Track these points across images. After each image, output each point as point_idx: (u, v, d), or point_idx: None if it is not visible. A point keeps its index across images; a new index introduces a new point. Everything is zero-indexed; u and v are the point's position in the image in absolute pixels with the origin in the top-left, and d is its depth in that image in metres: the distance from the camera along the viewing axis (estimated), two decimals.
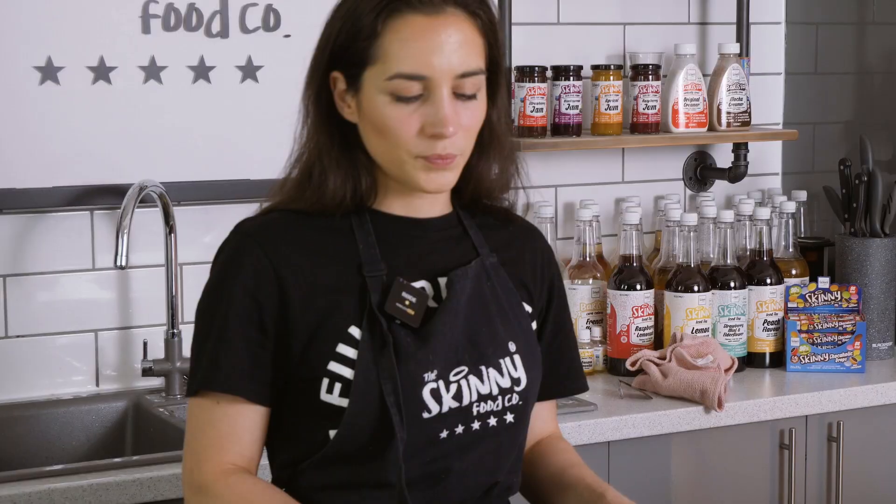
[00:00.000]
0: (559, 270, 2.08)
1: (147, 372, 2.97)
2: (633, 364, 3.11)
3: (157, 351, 3.03)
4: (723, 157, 3.67)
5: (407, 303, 1.84)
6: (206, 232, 3.09)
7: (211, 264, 1.90)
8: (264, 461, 1.90)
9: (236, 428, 1.83)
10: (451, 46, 1.79)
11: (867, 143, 3.40)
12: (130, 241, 2.85)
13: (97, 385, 3.04)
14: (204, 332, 1.86)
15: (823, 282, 3.33)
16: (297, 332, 1.83)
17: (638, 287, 3.20)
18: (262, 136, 3.10)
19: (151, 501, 2.44)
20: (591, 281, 3.27)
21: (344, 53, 1.83)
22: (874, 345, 3.36)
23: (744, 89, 3.46)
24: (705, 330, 3.21)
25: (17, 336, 2.98)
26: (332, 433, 1.82)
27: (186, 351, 3.01)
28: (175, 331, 2.99)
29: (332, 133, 1.87)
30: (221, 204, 3.09)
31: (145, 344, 3.01)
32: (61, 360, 3.01)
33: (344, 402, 1.81)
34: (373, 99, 1.81)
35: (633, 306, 3.19)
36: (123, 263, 2.80)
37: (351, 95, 1.84)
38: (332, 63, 1.85)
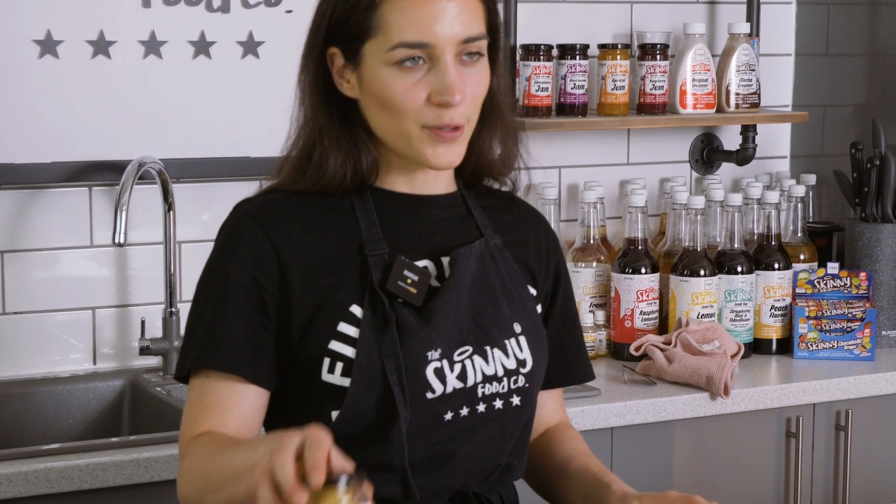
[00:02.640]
0: (564, 257, 2.06)
1: (144, 351, 2.94)
2: (637, 349, 3.07)
3: (155, 330, 3.00)
4: (730, 139, 3.62)
5: (409, 281, 1.81)
6: (204, 210, 3.06)
7: (214, 245, 1.86)
8: None
9: (222, 400, 1.79)
10: (452, 12, 1.76)
11: (880, 127, 3.36)
12: (129, 218, 2.82)
13: (94, 363, 3.01)
14: (201, 311, 1.83)
15: (833, 267, 3.29)
16: (297, 312, 1.80)
17: (643, 270, 3.16)
18: (263, 113, 3.06)
19: (149, 482, 2.41)
20: (594, 264, 3.23)
21: (341, 28, 1.80)
22: (884, 332, 3.32)
23: (753, 70, 3.42)
24: (711, 315, 3.17)
25: (15, 313, 2.95)
26: (334, 414, 1.79)
27: (184, 330, 2.97)
28: (173, 309, 2.96)
29: (331, 111, 1.84)
30: (221, 182, 3.06)
31: (143, 322, 2.98)
32: (58, 337, 2.98)
33: (346, 382, 1.78)
34: (375, 72, 1.78)
35: (638, 290, 3.15)
36: (122, 240, 2.77)
37: (350, 70, 1.81)
38: (328, 39, 1.82)
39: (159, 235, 2.99)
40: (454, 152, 1.81)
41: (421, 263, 1.85)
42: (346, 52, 1.81)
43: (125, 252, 3.02)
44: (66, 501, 2.37)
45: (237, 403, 1.80)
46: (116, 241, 2.77)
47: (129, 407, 2.95)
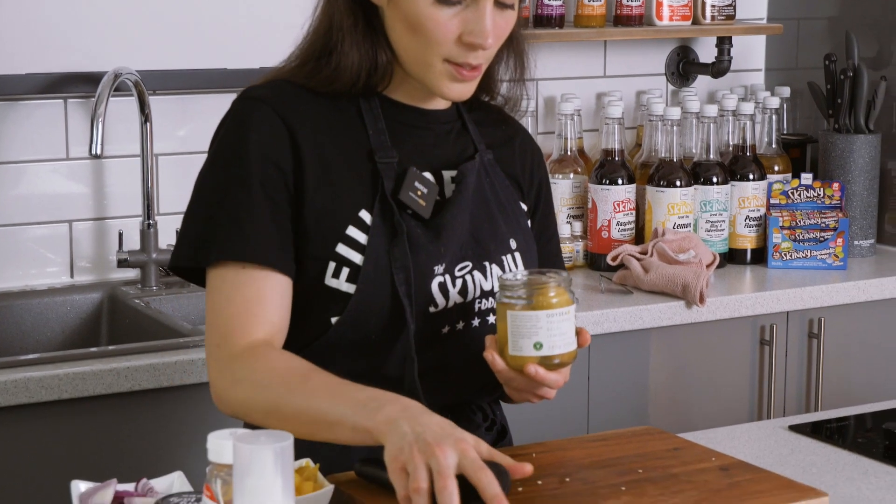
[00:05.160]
0: (547, 173, 2.06)
1: (122, 263, 2.94)
2: (614, 259, 3.09)
3: (133, 242, 2.99)
4: (706, 52, 3.63)
5: (419, 193, 1.81)
6: (181, 124, 3.05)
7: (214, 135, 1.83)
8: None
9: (263, 293, 1.74)
10: None
11: (853, 39, 3.37)
12: (105, 131, 2.80)
13: (72, 276, 3.01)
14: (218, 200, 1.77)
15: (806, 178, 3.31)
16: (309, 206, 1.77)
17: (619, 181, 3.17)
18: (241, 24, 3.04)
19: (128, 391, 2.41)
20: (571, 175, 3.24)
21: None
22: (856, 242, 3.35)
23: None
24: (687, 225, 3.18)
25: None
26: (334, 320, 1.78)
27: (163, 242, 2.98)
28: (151, 221, 2.95)
29: (355, 11, 1.81)
30: (198, 94, 3.04)
31: (120, 235, 2.97)
32: (35, 251, 2.97)
33: (350, 289, 1.77)
34: None
35: (615, 201, 3.16)
36: (98, 151, 2.76)
37: None
38: None
39: (136, 148, 2.97)
40: (469, 88, 1.82)
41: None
42: None
43: (102, 165, 3.01)
44: (46, 411, 2.37)
45: (278, 294, 1.75)
46: (93, 152, 2.75)
47: (108, 319, 2.94)
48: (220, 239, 1.75)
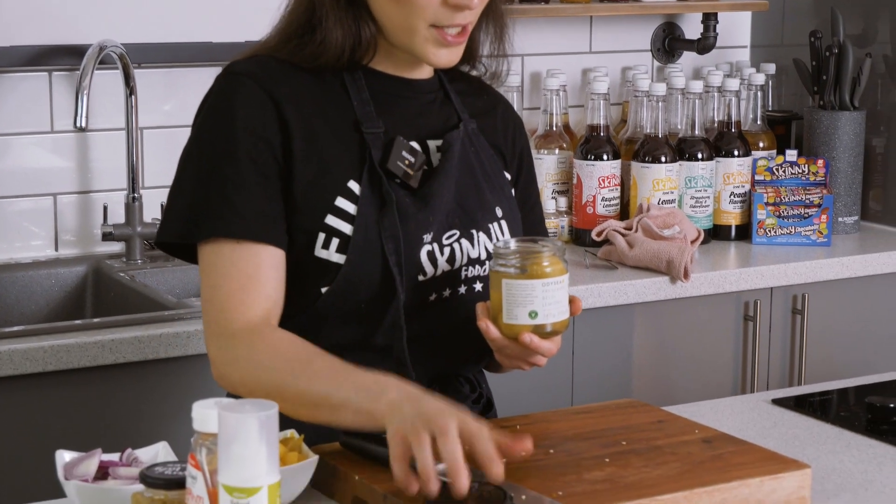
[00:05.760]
0: (528, 143, 2.06)
1: (107, 237, 2.94)
2: (598, 234, 3.09)
3: (118, 216, 2.99)
4: (692, 28, 3.63)
5: (407, 162, 1.82)
6: (167, 97, 3.04)
7: (198, 111, 1.82)
8: None
9: (260, 268, 1.75)
10: None
11: (838, 16, 3.37)
12: (90, 104, 2.80)
13: (56, 250, 3.00)
14: (204, 175, 1.76)
15: (791, 155, 3.31)
16: (297, 179, 1.77)
17: (605, 157, 3.17)
18: None
19: (113, 364, 2.41)
20: (557, 151, 3.24)
21: None
22: (840, 218, 3.36)
23: None
24: (672, 201, 3.19)
25: None
26: (324, 290, 1.78)
27: (147, 216, 2.98)
28: (136, 195, 2.95)
29: None
30: (183, 67, 3.03)
31: (105, 208, 2.97)
32: (19, 224, 2.96)
33: (340, 259, 1.77)
34: None
35: (600, 176, 3.16)
36: (83, 124, 2.75)
37: None
38: None
39: (121, 122, 2.97)
40: (455, 53, 1.82)
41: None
42: None
43: (86, 138, 3.00)
44: (31, 383, 2.37)
45: (273, 268, 1.75)
46: (78, 124, 2.75)
47: (92, 292, 2.94)
48: (211, 215, 1.75)
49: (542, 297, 1.71)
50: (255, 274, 1.74)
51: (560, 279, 1.72)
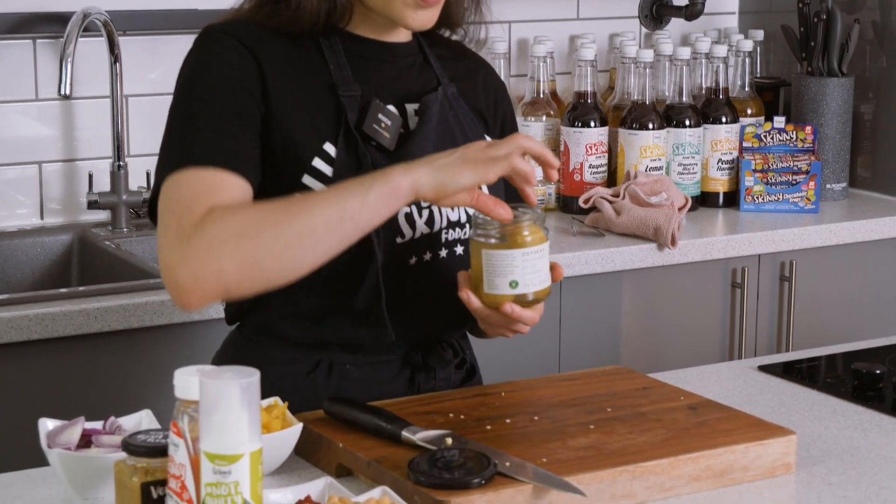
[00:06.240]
0: (512, 108, 2.06)
1: (92, 205, 2.92)
2: (586, 201, 3.08)
3: (103, 184, 2.97)
4: None
5: (383, 125, 1.82)
6: (152, 65, 3.02)
7: (179, 72, 1.81)
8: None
9: (227, 186, 1.70)
10: None
11: None
12: (74, 72, 2.78)
13: (41, 218, 2.99)
14: (181, 118, 1.76)
15: (779, 121, 3.30)
16: (275, 138, 1.78)
17: (592, 124, 3.16)
18: None
19: (98, 332, 2.41)
20: (544, 118, 3.23)
21: None
22: (828, 185, 3.36)
23: None
24: (659, 168, 3.18)
25: None
26: None
27: (133, 184, 2.97)
28: (121, 163, 2.93)
29: None
30: (167, 34, 3.02)
31: (91, 176, 2.96)
32: (4, 193, 2.95)
33: None
34: None
35: (587, 143, 3.16)
36: (67, 92, 2.74)
37: None
38: None
39: (106, 89, 2.95)
40: (431, 15, 1.82)
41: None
42: None
43: (71, 106, 2.98)
44: (15, 352, 2.37)
45: (240, 190, 1.71)
46: (62, 92, 2.74)
47: (78, 261, 2.93)
48: (181, 150, 1.73)
49: (522, 267, 1.70)
50: (223, 186, 1.70)
51: (540, 248, 1.71)
